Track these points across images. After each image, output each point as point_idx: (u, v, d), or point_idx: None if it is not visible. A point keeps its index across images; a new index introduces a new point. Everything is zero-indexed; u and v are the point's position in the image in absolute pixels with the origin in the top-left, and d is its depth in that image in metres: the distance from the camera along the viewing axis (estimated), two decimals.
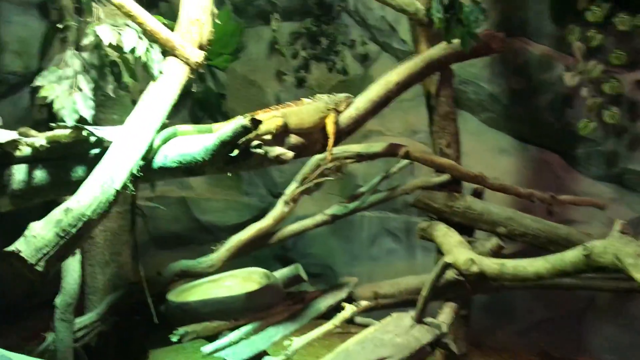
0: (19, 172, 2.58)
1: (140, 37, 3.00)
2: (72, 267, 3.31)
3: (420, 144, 5.44)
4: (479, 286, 3.48)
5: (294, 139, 3.19)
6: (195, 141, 2.83)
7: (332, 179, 3.83)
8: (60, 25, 3.44)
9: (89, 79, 3.04)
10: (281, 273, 3.75)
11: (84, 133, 2.58)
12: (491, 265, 3.21)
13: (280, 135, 3.13)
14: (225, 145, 2.75)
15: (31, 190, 2.58)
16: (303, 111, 3.24)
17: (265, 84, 6.09)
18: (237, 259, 6.04)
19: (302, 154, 3.28)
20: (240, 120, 2.73)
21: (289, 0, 5.77)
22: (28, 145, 2.54)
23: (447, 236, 3.74)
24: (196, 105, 6.32)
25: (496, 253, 3.76)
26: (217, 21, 3.35)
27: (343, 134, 3.47)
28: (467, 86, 5.28)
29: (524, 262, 2.75)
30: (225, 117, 6.28)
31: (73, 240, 2.30)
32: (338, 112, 3.43)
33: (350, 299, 3.64)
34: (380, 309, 3.69)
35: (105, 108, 4.06)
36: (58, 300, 3.28)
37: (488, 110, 5.45)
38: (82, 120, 2.99)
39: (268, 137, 3.03)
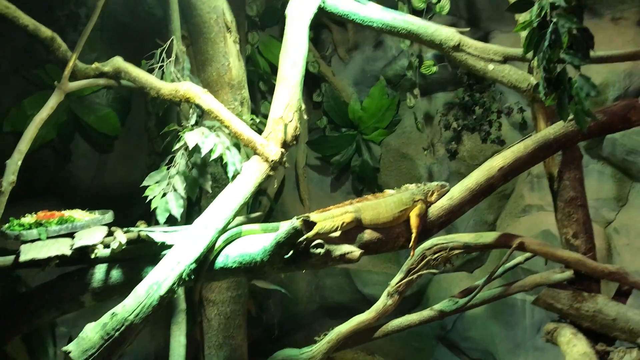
0: (99, 272, 2.87)
1: (221, 141, 3.18)
2: (177, 351, 3.53)
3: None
4: None
5: (368, 234, 3.04)
6: (257, 241, 2.86)
7: (438, 272, 3.53)
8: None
9: (183, 180, 3.29)
10: None
11: (143, 237, 2.78)
12: None
13: (353, 231, 3.02)
14: (282, 247, 2.74)
15: (108, 288, 2.85)
16: (381, 204, 3.09)
17: (418, 156, 5.93)
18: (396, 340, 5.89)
19: (380, 250, 3.11)
20: (293, 222, 2.70)
21: (441, 71, 5.58)
22: (105, 247, 2.83)
23: (570, 344, 3.19)
24: (356, 178, 6.42)
25: None
26: (305, 116, 3.39)
27: (434, 227, 3.22)
28: (637, 157, 4.52)
29: None
30: (381, 190, 6.26)
31: (115, 343, 2.47)
32: (428, 203, 3.21)
33: None
34: None
35: None
36: None
37: None
38: (172, 219, 3.24)
39: (335, 234, 2.95)
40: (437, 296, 5.83)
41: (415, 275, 3.57)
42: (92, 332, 2.47)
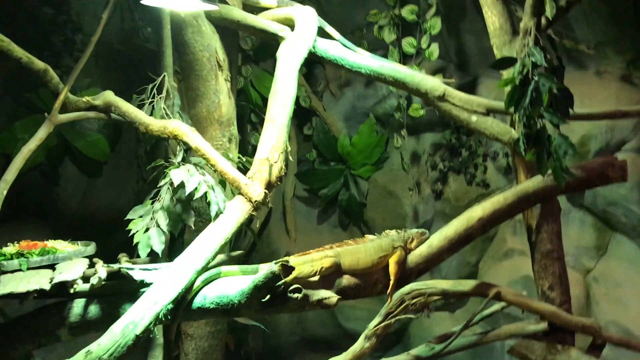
0: (77, 306, 2.89)
1: (205, 180, 3.22)
2: None
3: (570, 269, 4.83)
4: None
5: (346, 280, 3.08)
6: (235, 283, 2.89)
7: (416, 317, 3.57)
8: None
9: (166, 215, 3.32)
10: None
11: (123, 272, 2.80)
12: None
13: (332, 276, 3.06)
14: (260, 290, 2.77)
15: (85, 323, 2.87)
16: (360, 250, 3.13)
17: (404, 194, 6.00)
18: None
19: (358, 295, 3.15)
20: (271, 266, 2.74)
21: (430, 113, 5.68)
22: (85, 281, 2.85)
23: None
24: (342, 212, 6.47)
25: None
26: (291, 158, 3.44)
27: (412, 274, 3.27)
28: (616, 209, 4.60)
29: None
30: (367, 225, 6.33)
31: None
32: (408, 250, 3.25)
33: None
34: None
35: None
36: None
37: None
38: (153, 255, 3.27)
39: (314, 278, 2.98)
40: (418, 334, 5.85)
41: (393, 320, 3.60)
42: None
